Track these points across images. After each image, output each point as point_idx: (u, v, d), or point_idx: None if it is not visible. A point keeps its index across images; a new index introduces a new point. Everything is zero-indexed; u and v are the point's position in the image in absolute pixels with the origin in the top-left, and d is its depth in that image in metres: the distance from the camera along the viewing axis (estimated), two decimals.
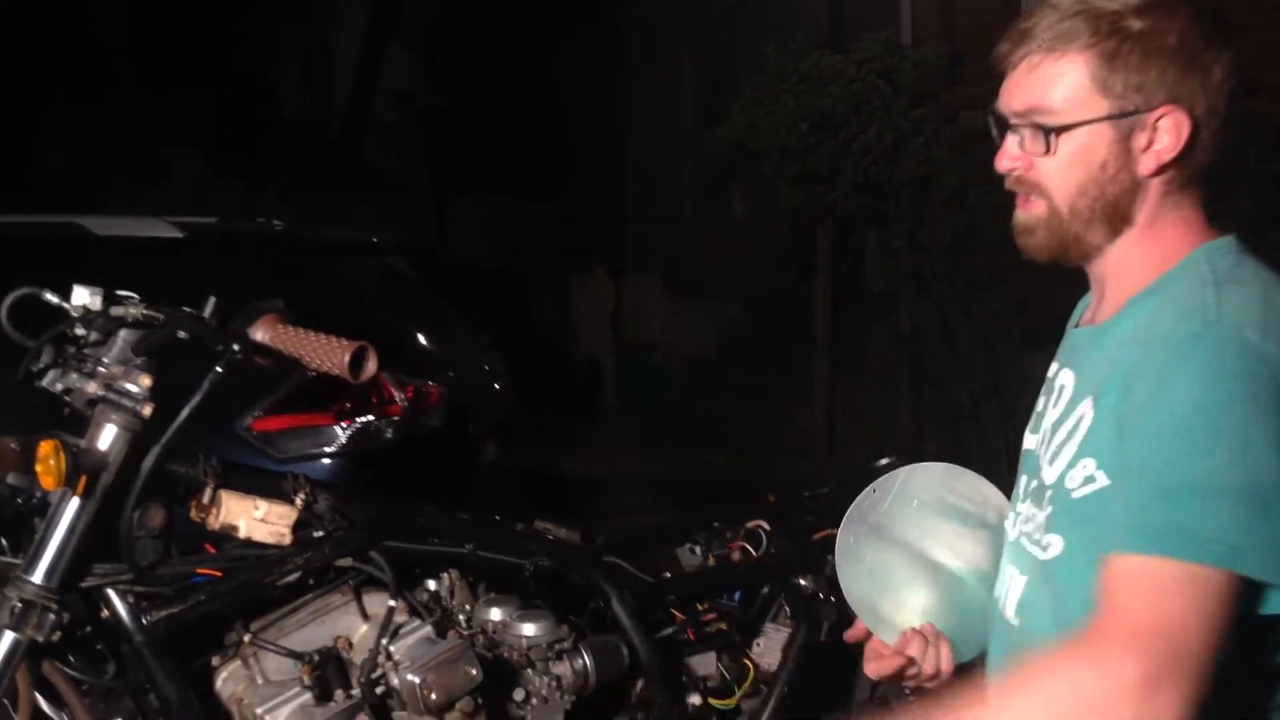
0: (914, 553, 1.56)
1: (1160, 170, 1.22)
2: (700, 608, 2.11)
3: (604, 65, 12.41)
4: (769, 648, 2.17)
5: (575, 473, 7.44)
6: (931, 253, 7.03)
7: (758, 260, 9.75)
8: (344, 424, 3.79)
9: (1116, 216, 1.24)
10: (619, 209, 12.49)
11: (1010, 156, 1.27)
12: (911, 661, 1.48)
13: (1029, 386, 5.32)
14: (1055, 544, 1.24)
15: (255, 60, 14.67)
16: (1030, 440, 1.35)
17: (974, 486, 1.59)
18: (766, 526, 2.23)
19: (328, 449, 3.78)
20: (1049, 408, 1.31)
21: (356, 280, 4.56)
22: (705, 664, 2.09)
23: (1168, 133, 1.20)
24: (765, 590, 2.20)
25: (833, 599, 2.14)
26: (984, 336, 6.99)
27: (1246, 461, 1.07)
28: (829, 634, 2.15)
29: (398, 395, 3.92)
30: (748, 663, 2.12)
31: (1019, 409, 6.47)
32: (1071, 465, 1.21)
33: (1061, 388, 1.29)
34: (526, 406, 5.99)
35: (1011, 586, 1.32)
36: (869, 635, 1.56)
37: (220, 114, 12.94)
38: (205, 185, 11.85)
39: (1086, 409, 1.21)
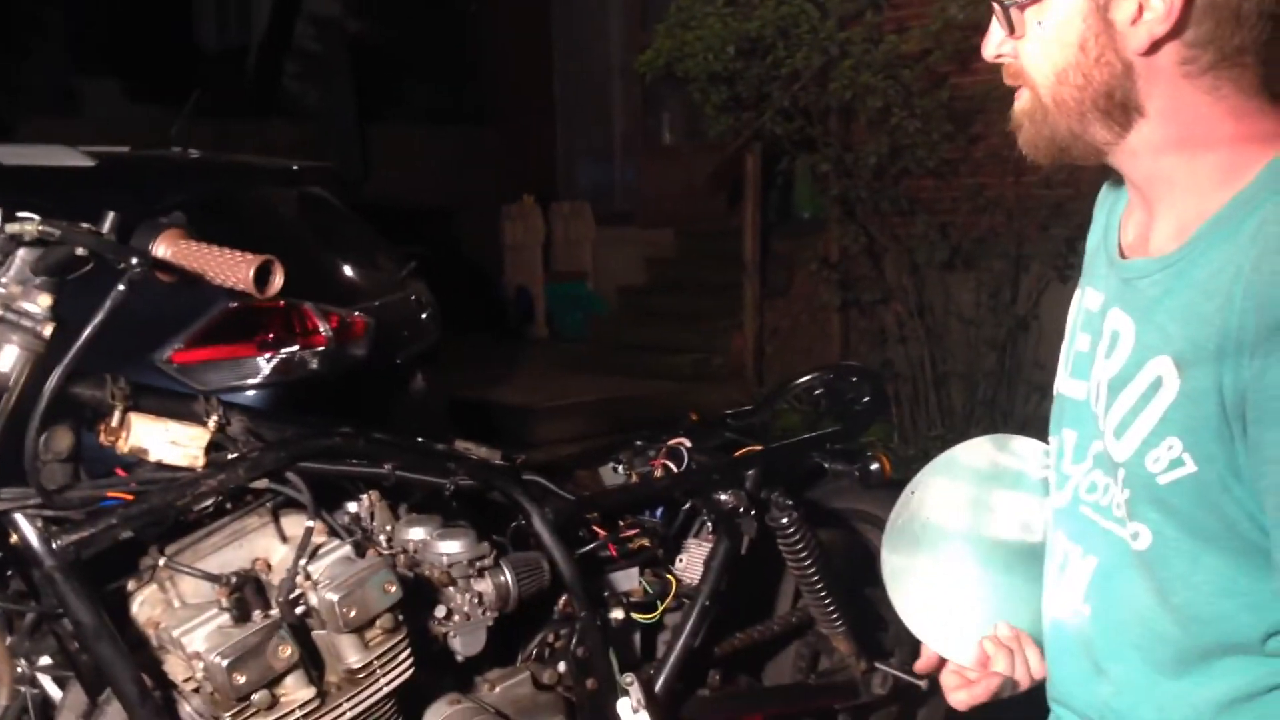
0: (966, 552, 1.33)
1: (1156, 47, 1.01)
2: (622, 524, 2.13)
3: None
4: (691, 563, 2.20)
5: (505, 402, 7.43)
6: (857, 177, 7.07)
7: (688, 187, 9.70)
8: (267, 355, 3.74)
9: (1116, 107, 1.04)
10: (548, 137, 12.34)
11: (990, 42, 1.10)
12: (1003, 678, 1.24)
13: (952, 308, 5.43)
14: (1144, 534, 1.06)
15: None
16: (1074, 387, 1.17)
17: (1013, 450, 1.36)
18: (688, 444, 2.25)
19: (251, 380, 3.73)
20: (1099, 355, 1.12)
21: (276, 209, 4.48)
22: (628, 579, 2.12)
23: None
24: (686, 506, 2.22)
25: (752, 513, 2.17)
26: (909, 259, 7.07)
27: None
28: (749, 547, 2.18)
29: (322, 325, 3.87)
30: (670, 577, 2.14)
31: (944, 330, 6.59)
32: (1152, 444, 1.03)
33: (1116, 333, 1.09)
34: (455, 336, 5.96)
35: (1075, 567, 1.15)
36: (942, 662, 1.31)
37: (135, 40, 12.55)
38: (120, 114, 11.51)
39: (1166, 374, 1.02)
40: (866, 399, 2.42)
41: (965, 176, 6.97)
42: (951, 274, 6.97)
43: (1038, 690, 1.25)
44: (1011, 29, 1.06)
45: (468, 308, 9.61)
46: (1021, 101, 1.10)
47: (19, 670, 2.12)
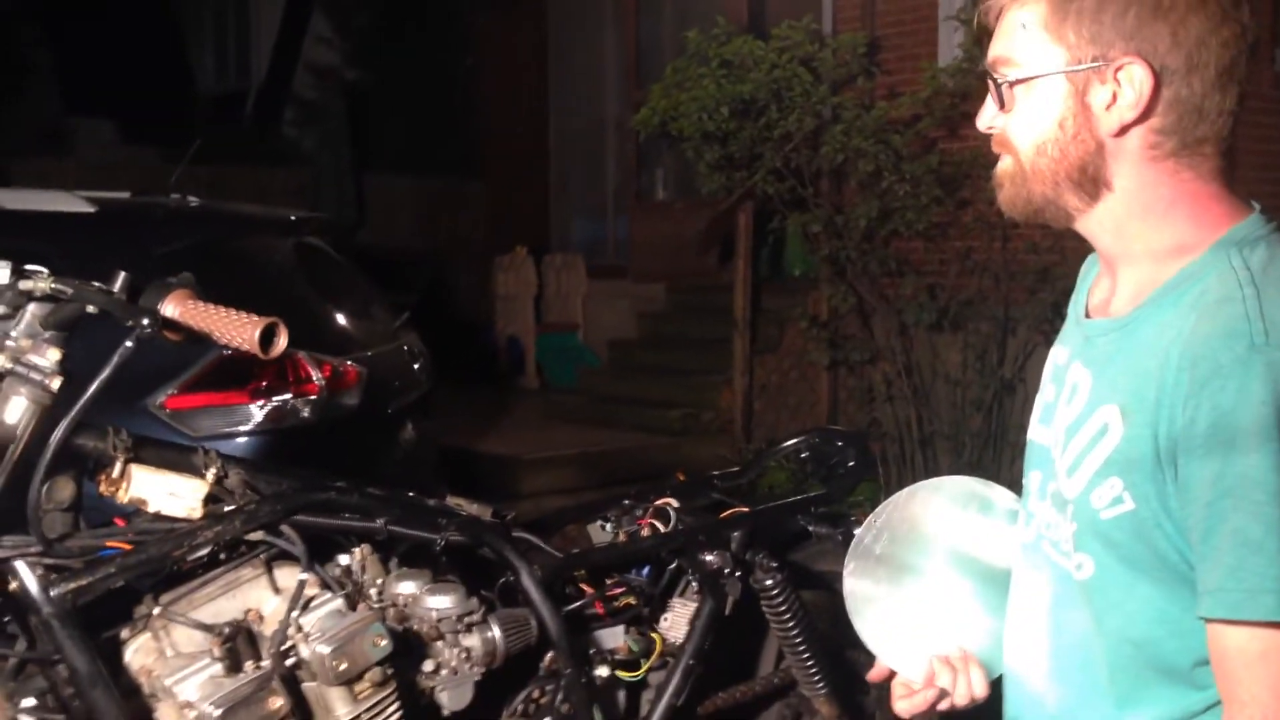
0: (927, 578, 1.43)
1: (1125, 131, 1.11)
2: (609, 582, 2.16)
3: (528, 45, 12.36)
4: (676, 622, 2.23)
5: (493, 451, 7.46)
6: (847, 238, 7.17)
7: (679, 243, 9.80)
8: (260, 402, 3.77)
9: (1087, 180, 1.14)
10: (541, 189, 12.46)
11: (984, 115, 1.20)
12: (944, 693, 1.35)
13: (940, 368, 5.51)
14: (1087, 564, 1.16)
15: (171, 29, 14.39)
16: (1041, 433, 1.26)
17: (978, 494, 1.46)
18: (675, 504, 2.29)
19: (243, 427, 3.76)
20: (1061, 403, 1.21)
21: (272, 258, 4.53)
22: (613, 637, 2.15)
23: (1128, 86, 1.09)
24: (673, 566, 2.26)
25: (737, 574, 2.21)
26: (898, 320, 7.15)
27: None
28: (733, 608, 2.21)
29: (314, 374, 3.91)
30: (654, 636, 2.17)
31: (931, 390, 6.66)
32: (1096, 483, 1.12)
33: (1076, 385, 1.19)
34: (447, 386, 6.00)
35: (1036, 595, 1.24)
36: (892, 674, 1.41)
37: (132, 83, 12.66)
38: (114, 156, 11.60)
39: (1111, 421, 1.11)
40: (851, 463, 2.47)
41: (954, 240, 7.08)
42: (939, 335, 7.05)
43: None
44: (1003, 104, 1.17)
45: (459, 356, 9.66)
46: (1004, 164, 1.21)
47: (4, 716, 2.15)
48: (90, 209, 4.04)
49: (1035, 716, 1.26)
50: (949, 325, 7.05)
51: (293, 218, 4.83)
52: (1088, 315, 1.24)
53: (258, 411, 3.77)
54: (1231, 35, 1.08)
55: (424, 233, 11.82)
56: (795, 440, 2.57)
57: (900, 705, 1.38)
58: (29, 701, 1.89)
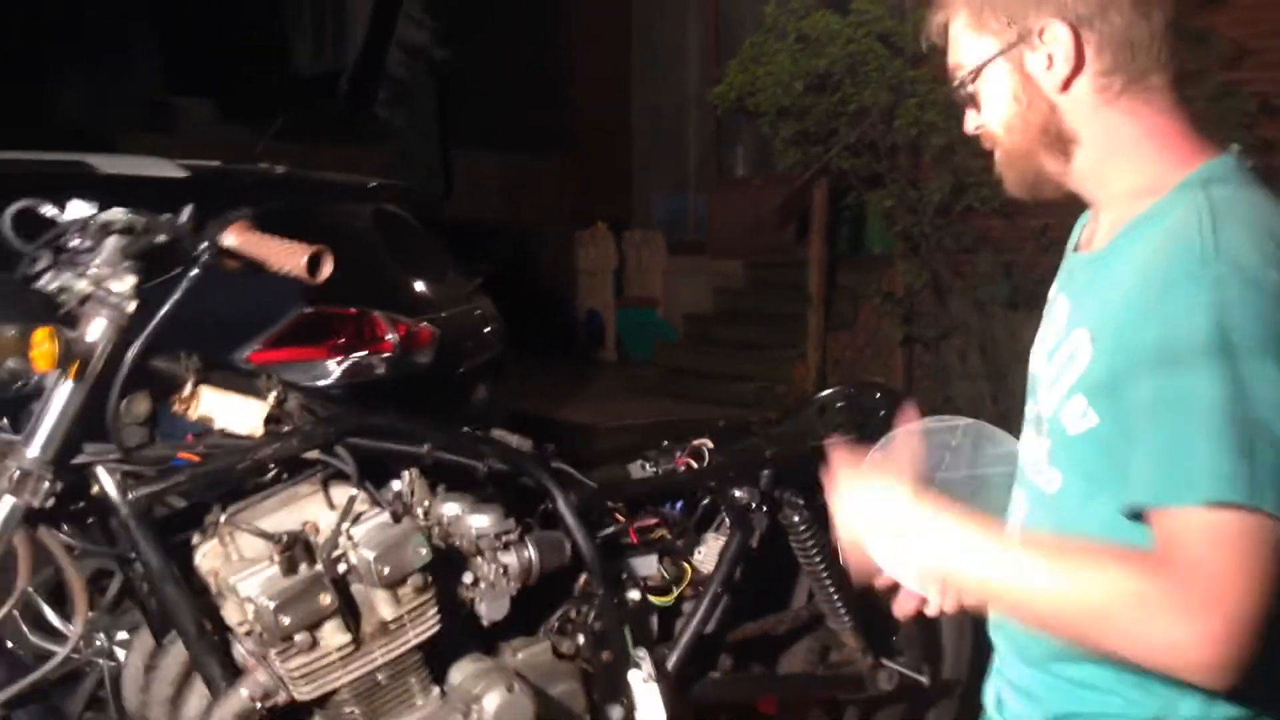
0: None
1: (1070, 85, 1.20)
2: (644, 515, 2.30)
3: (613, 22, 12.50)
4: (708, 554, 2.36)
5: (570, 419, 7.63)
6: (922, 213, 7.18)
7: (757, 219, 9.87)
8: (337, 359, 3.97)
9: (1054, 141, 1.23)
10: (624, 166, 12.60)
11: (968, 122, 1.30)
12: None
13: (1015, 347, 5.58)
14: (1055, 479, 1.24)
15: (270, 10, 14.79)
16: (1034, 364, 1.33)
17: (985, 434, 1.58)
18: (710, 445, 2.41)
19: (321, 382, 3.95)
20: (1048, 333, 1.29)
21: (352, 222, 4.73)
22: (647, 565, 2.28)
23: (1055, 45, 1.19)
24: (706, 502, 2.39)
25: (764, 510, 2.33)
26: (973, 296, 7.15)
27: (1260, 398, 1.04)
28: (761, 542, 2.34)
29: (389, 333, 4.11)
30: (686, 565, 2.31)
31: (1006, 369, 6.68)
32: (1066, 400, 1.19)
33: (1057, 314, 1.28)
34: (527, 357, 6.15)
35: (1017, 512, 1.34)
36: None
37: (232, 63, 13.07)
38: (213, 132, 12.00)
39: (1082, 343, 1.19)
40: (883, 413, 2.57)
41: (1031, 217, 7.05)
42: (1015, 313, 7.03)
43: None
44: (973, 105, 1.27)
45: (540, 328, 9.86)
46: (997, 157, 1.30)
47: (98, 643, 2.36)
48: (183, 174, 4.27)
49: (1011, 623, 1.35)
50: (1024, 303, 7.03)
51: (371, 184, 5.04)
52: (1076, 252, 1.33)
53: (335, 367, 3.96)
54: None
55: (508, 207, 12.04)
56: (832, 391, 2.68)
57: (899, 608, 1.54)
58: (122, 635, 2.11)
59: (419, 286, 4.75)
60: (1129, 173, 1.21)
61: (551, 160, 12.56)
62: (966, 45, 1.26)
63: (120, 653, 2.11)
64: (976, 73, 1.25)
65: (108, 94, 12.29)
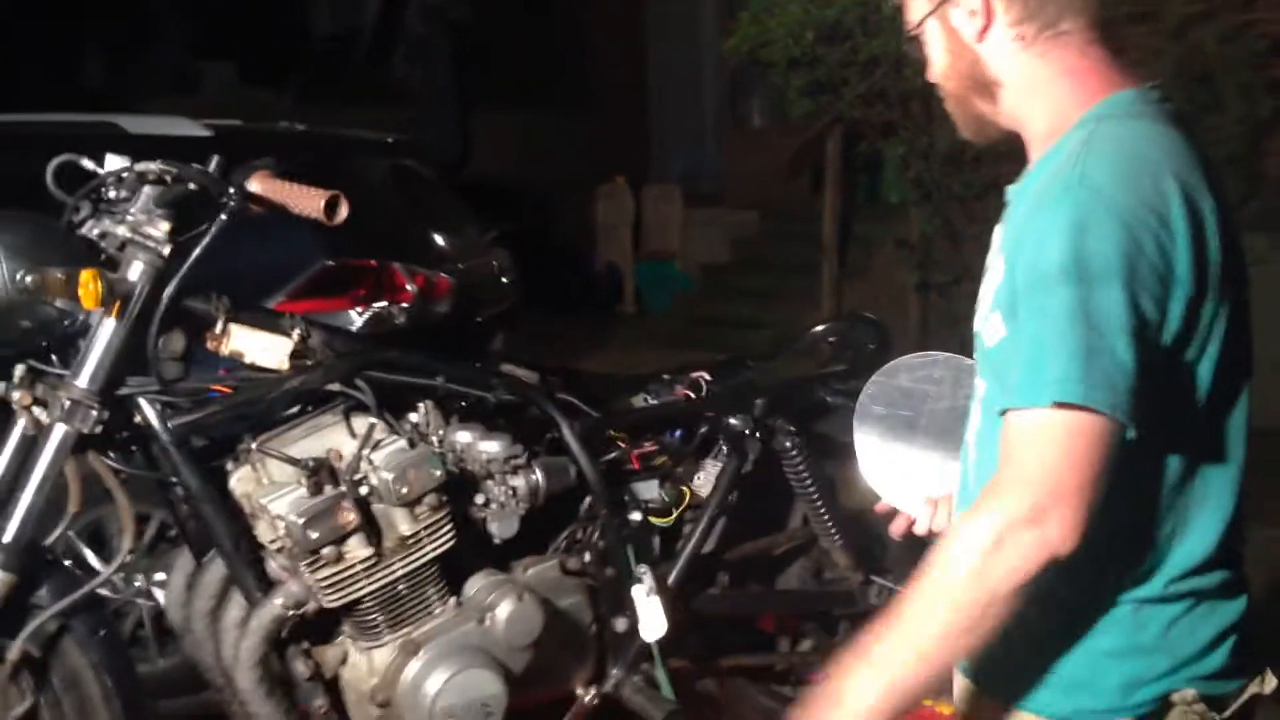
0: (917, 432, 1.75)
1: (985, 33, 1.34)
2: (645, 442, 2.46)
3: None
4: (706, 479, 2.51)
5: (590, 370, 7.78)
6: (933, 160, 7.26)
7: (773, 170, 9.96)
8: (359, 309, 4.14)
9: (981, 86, 1.37)
10: (640, 121, 12.68)
11: (930, 73, 1.44)
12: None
13: None
14: (982, 388, 1.39)
15: None
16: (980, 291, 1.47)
17: (964, 366, 1.71)
18: (708, 377, 2.57)
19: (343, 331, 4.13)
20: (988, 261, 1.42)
21: (371, 177, 4.89)
22: (648, 489, 2.44)
23: (970, 0, 1.33)
24: (703, 430, 2.55)
25: (757, 435, 2.49)
26: (985, 242, 7.24)
27: (1106, 313, 1.16)
28: (754, 466, 2.50)
29: (409, 284, 4.27)
30: (685, 489, 2.47)
31: None
32: (987, 317, 1.32)
33: (994, 243, 1.39)
34: (547, 311, 6.28)
35: (972, 420, 1.46)
36: (894, 510, 1.73)
37: (252, 26, 13.18)
38: (235, 95, 12.16)
39: (997, 264, 1.32)
40: (873, 346, 2.71)
41: None
42: None
43: None
44: (921, 55, 1.43)
45: (560, 284, 10.01)
46: (946, 102, 1.45)
47: (137, 584, 2.55)
48: (207, 133, 4.43)
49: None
50: None
51: (389, 140, 5.19)
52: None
53: (357, 317, 4.13)
54: None
55: (526, 165, 12.14)
56: (823, 326, 2.83)
57: (893, 527, 1.72)
58: (160, 576, 2.29)
59: (436, 239, 4.90)
60: (1045, 111, 1.34)
61: (569, 117, 12.64)
62: (912, 5, 1.42)
63: (158, 593, 2.31)
64: (917, 29, 1.41)
65: (132, 58, 12.45)
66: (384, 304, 4.18)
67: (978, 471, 1.43)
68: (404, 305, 4.23)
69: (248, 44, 13.00)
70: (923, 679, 1.24)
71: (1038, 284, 1.21)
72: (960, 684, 1.50)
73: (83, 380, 1.88)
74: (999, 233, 1.41)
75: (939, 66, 1.42)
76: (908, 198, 8.01)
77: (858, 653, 1.27)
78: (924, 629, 1.23)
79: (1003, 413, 1.24)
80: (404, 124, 11.66)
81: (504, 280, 5.15)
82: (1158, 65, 6.80)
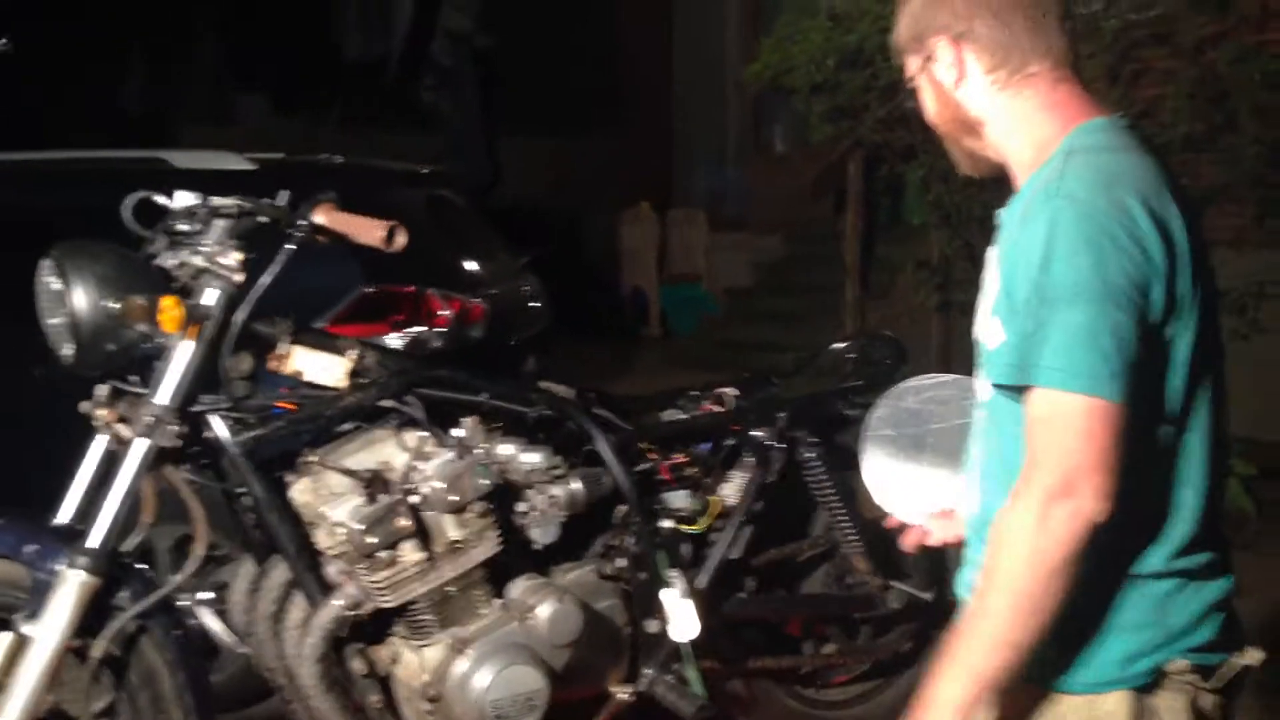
0: (925, 452, 1.96)
1: (962, 82, 1.53)
2: (675, 454, 2.61)
3: (653, 6, 12.76)
4: (732, 489, 2.67)
5: (616, 393, 7.94)
6: (952, 182, 7.40)
7: (796, 194, 10.11)
8: (397, 334, 4.32)
9: (967, 126, 1.57)
10: (665, 147, 12.87)
11: (929, 115, 1.65)
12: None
13: None
14: (986, 389, 1.53)
15: (317, 5, 15.16)
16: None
17: (967, 385, 1.87)
18: (734, 392, 2.73)
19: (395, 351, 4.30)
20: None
21: (408, 207, 5.06)
22: (678, 498, 2.59)
23: (945, 54, 1.54)
24: (730, 442, 2.70)
25: (781, 447, 2.64)
26: None
27: (1085, 304, 1.33)
28: (779, 476, 2.65)
29: (445, 309, 4.44)
30: (713, 499, 2.62)
31: None
32: (987, 322, 1.49)
33: (990, 262, 1.54)
34: (574, 335, 6.44)
35: (976, 428, 1.63)
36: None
37: (283, 56, 13.46)
38: (269, 124, 12.43)
39: (994, 276, 1.48)
40: (889, 361, 2.86)
41: None
42: None
43: None
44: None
45: (587, 308, 10.19)
46: (944, 141, 1.65)
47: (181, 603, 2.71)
48: (252, 167, 4.63)
49: (975, 513, 1.66)
50: None
51: (424, 171, 5.38)
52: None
53: (396, 341, 4.31)
54: None
55: (553, 190, 12.34)
56: (844, 344, 2.98)
57: (906, 541, 1.93)
58: (204, 595, 2.45)
59: (470, 266, 5.07)
60: (1025, 142, 1.53)
61: (594, 143, 12.84)
62: (907, 64, 1.63)
63: (203, 613, 2.47)
64: (912, 85, 1.62)
65: (169, 89, 12.76)
66: (421, 329, 4.35)
67: (985, 461, 1.60)
68: (440, 330, 4.40)
69: (280, 74, 13.29)
70: (1002, 663, 1.39)
71: (1041, 283, 1.37)
72: None
73: (162, 398, 2.05)
74: (993, 250, 1.56)
75: (931, 112, 1.62)
76: (928, 220, 8.14)
77: (942, 653, 1.43)
78: (995, 617, 1.38)
79: (1023, 390, 1.40)
80: (433, 151, 11.90)
81: (535, 305, 5.32)
82: (1174, 86, 6.94)
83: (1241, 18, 6.85)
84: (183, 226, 2.14)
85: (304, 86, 13.19)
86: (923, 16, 1.58)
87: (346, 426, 2.29)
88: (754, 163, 11.69)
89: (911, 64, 1.62)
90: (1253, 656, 1.53)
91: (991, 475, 1.59)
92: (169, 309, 1.97)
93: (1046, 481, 1.35)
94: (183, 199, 2.19)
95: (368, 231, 2.02)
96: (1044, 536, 1.35)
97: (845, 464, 2.74)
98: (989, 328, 1.51)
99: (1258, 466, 6.46)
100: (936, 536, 1.89)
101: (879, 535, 2.75)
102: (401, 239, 2.04)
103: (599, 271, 11.66)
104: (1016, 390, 1.44)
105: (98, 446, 2.15)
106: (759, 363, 8.85)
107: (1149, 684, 1.48)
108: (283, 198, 2.09)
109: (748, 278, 10.75)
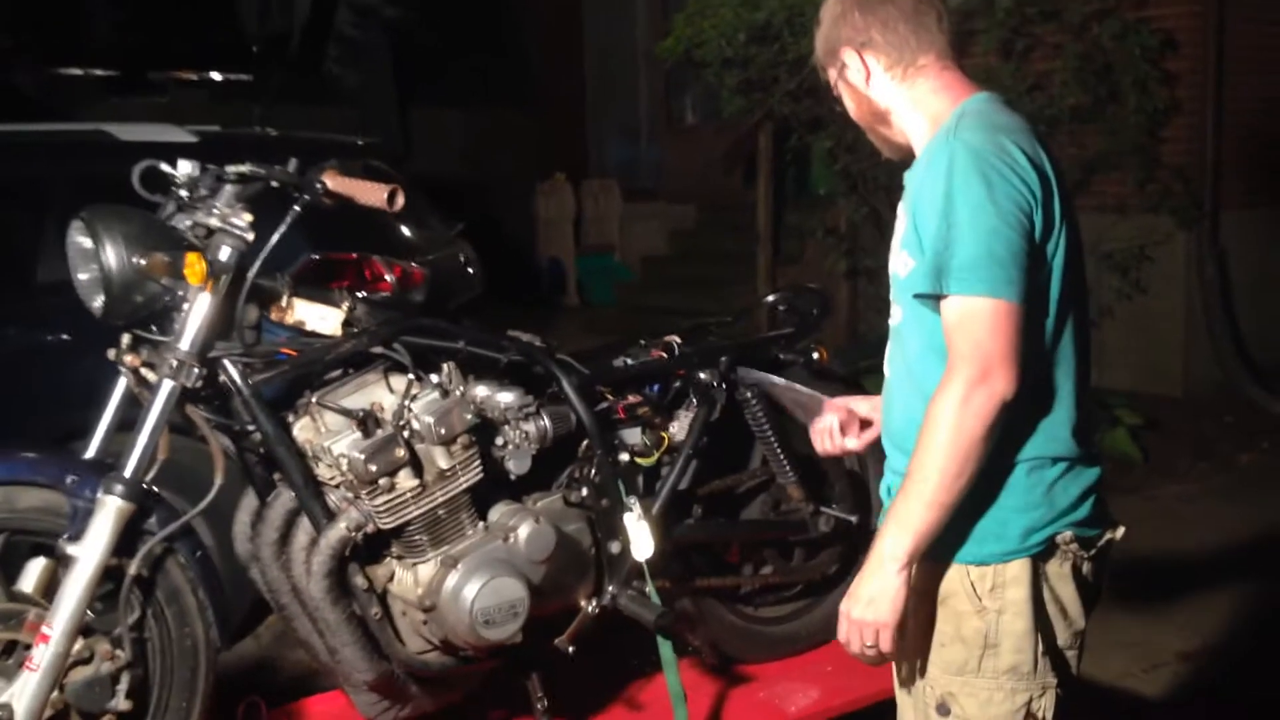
0: None
1: (869, 80, 1.93)
2: (629, 396, 2.91)
3: None
4: (680, 426, 2.97)
5: None
6: (858, 153, 7.79)
7: (709, 165, 10.45)
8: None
9: (879, 115, 1.96)
10: (578, 118, 13.12)
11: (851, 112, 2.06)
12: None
13: None
14: (897, 314, 1.90)
15: None
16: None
17: None
18: (679, 340, 3.03)
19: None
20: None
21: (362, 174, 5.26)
22: (632, 435, 2.89)
23: (853, 62, 1.94)
24: (676, 385, 3.01)
25: (722, 387, 2.96)
26: None
27: (982, 223, 1.67)
28: (720, 414, 2.96)
29: (388, 274, 4.67)
30: (663, 435, 2.92)
31: None
32: (898, 255, 1.86)
33: (899, 212, 1.89)
34: (493, 306, 6.68)
35: (886, 350, 1.98)
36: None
37: (187, 32, 13.37)
38: (175, 98, 12.38)
39: (903, 217, 1.86)
40: (815, 311, 3.20)
41: None
42: None
43: None
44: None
45: (504, 278, 10.40)
46: (865, 133, 2.05)
47: None
48: (193, 139, 4.80)
49: (888, 417, 2.01)
50: None
51: (359, 142, 5.59)
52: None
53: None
54: (895, 5, 1.89)
55: (468, 162, 12.51)
56: (775, 295, 3.31)
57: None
58: None
59: (408, 233, 5.31)
60: (924, 119, 1.92)
61: (509, 115, 13.02)
62: (829, 75, 2.03)
63: None
64: (834, 89, 2.03)
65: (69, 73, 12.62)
66: (364, 294, 4.58)
67: (894, 379, 1.97)
68: (384, 294, 4.63)
69: (182, 51, 13.20)
70: (934, 521, 1.75)
71: (935, 213, 1.73)
72: None
73: (184, 343, 2.29)
74: (901, 205, 1.93)
75: (851, 110, 2.03)
76: (836, 189, 8.55)
77: (887, 517, 1.79)
78: (927, 481, 1.73)
79: (939, 299, 1.74)
80: (345, 123, 11.97)
81: (470, 271, 5.57)
82: (1062, 61, 7.40)
83: None
84: (186, 193, 2.37)
85: (207, 63, 13.13)
86: (831, 35, 1.97)
87: (337, 372, 2.54)
88: (666, 134, 12.00)
89: (831, 74, 1.99)
90: (1118, 532, 1.91)
91: (900, 389, 1.95)
92: (194, 263, 2.21)
93: (968, 372, 1.70)
94: (185, 168, 2.43)
95: (370, 193, 2.28)
96: (967, 414, 1.69)
97: (779, 404, 3.08)
98: (900, 259, 1.87)
99: (1143, 417, 7.00)
100: (854, 445, 2.26)
101: (810, 467, 3.10)
102: (400, 200, 2.30)
103: (516, 241, 11.88)
104: (932, 301, 1.78)
105: (118, 390, 2.39)
106: (676, 328, 9.22)
107: (1042, 552, 1.84)
108: (292, 164, 2.33)
109: (662, 246, 11.08)
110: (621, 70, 12.53)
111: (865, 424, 2.25)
